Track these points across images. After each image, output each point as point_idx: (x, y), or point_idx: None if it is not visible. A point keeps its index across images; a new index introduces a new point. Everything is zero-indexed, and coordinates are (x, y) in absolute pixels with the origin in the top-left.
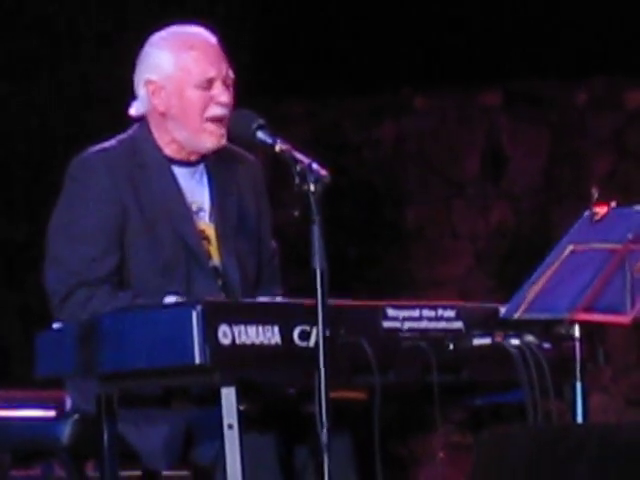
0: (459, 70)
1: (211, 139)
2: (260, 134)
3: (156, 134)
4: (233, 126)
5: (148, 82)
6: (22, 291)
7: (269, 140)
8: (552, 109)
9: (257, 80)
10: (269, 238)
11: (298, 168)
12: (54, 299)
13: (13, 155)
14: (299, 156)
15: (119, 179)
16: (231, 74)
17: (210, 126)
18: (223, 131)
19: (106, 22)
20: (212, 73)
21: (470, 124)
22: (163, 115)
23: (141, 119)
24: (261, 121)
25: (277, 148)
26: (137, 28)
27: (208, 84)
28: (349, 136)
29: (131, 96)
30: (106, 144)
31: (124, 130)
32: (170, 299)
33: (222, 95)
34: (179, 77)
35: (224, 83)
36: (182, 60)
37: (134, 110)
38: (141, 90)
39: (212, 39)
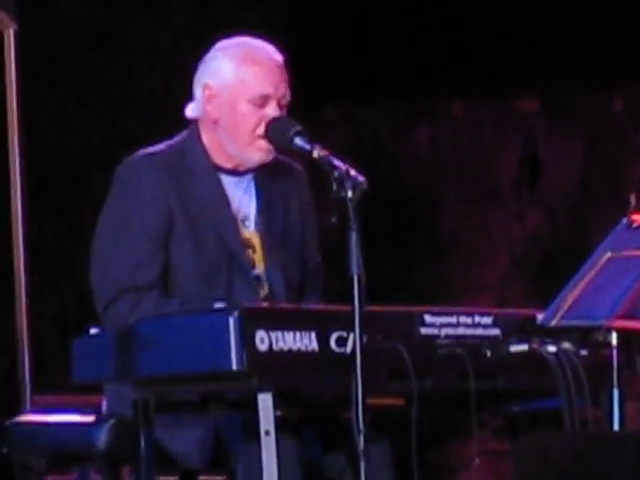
0: (496, 76)
1: (259, 154)
2: (298, 140)
3: (206, 140)
4: (271, 133)
5: (205, 86)
6: (58, 296)
7: (307, 146)
8: (589, 116)
9: (293, 87)
10: (315, 250)
11: (336, 174)
12: (100, 304)
13: (48, 157)
14: (337, 162)
15: (166, 183)
16: (288, 96)
17: (259, 142)
18: (271, 147)
19: (144, 31)
20: (269, 90)
21: (507, 130)
22: (215, 122)
23: (192, 122)
24: (299, 127)
25: (315, 154)
26: (174, 36)
27: (263, 101)
28: (385, 142)
29: (172, 104)
30: (154, 148)
31: (162, 136)
32: (219, 306)
33: (275, 115)
34: (235, 88)
35: (279, 103)
36: (242, 72)
37: (189, 111)
38: (198, 92)
39: (278, 57)
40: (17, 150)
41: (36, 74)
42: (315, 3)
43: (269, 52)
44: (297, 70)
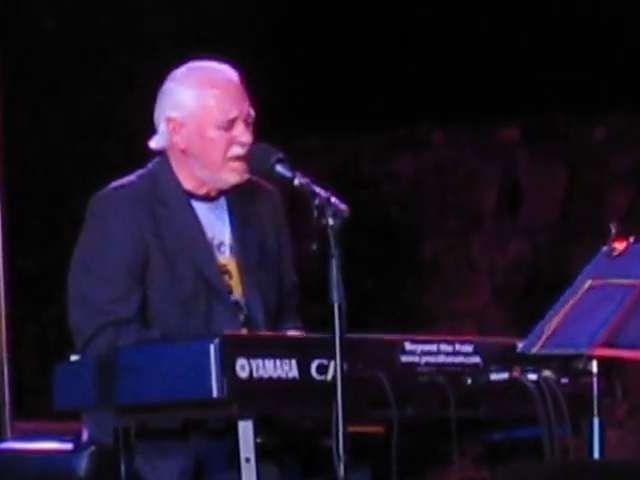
0: (477, 105)
1: (233, 175)
2: (279, 168)
3: (176, 169)
4: (252, 160)
5: (169, 119)
6: (37, 323)
7: (288, 174)
8: (570, 144)
9: (275, 114)
10: (290, 270)
11: (317, 202)
12: (79, 338)
13: (29, 186)
14: (318, 190)
15: (140, 215)
16: (252, 112)
17: (232, 164)
18: (245, 166)
19: (123, 54)
20: (234, 114)
21: (488, 158)
22: (184, 152)
23: (161, 152)
24: (280, 155)
25: (296, 182)
26: (154, 60)
27: (230, 124)
28: (367, 170)
29: (151, 129)
30: (125, 180)
31: (141, 162)
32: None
33: (243, 135)
34: (201, 116)
35: (245, 122)
36: (204, 99)
37: (154, 143)
38: (161, 125)
39: (234, 76)
40: None
41: (16, 102)
42: (299, 33)
43: (225, 73)
44: (279, 99)
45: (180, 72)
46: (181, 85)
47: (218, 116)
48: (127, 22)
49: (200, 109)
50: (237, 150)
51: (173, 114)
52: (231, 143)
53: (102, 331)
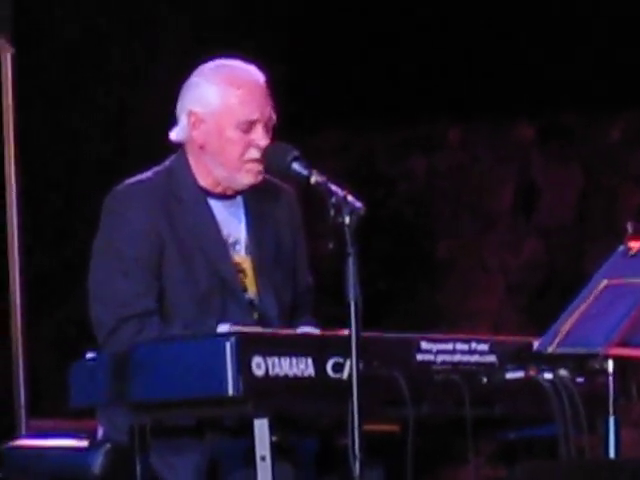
0: (493, 104)
1: (248, 177)
2: (295, 166)
3: (193, 165)
4: (269, 158)
5: (190, 113)
6: (54, 320)
7: (304, 172)
8: (585, 144)
9: (291, 112)
10: (305, 270)
11: (333, 200)
12: (101, 332)
13: (44, 183)
14: (334, 188)
15: (156, 211)
16: (274, 117)
17: (247, 165)
18: (260, 168)
19: (139, 53)
20: (255, 116)
21: (503, 158)
22: (201, 148)
23: (179, 146)
24: (296, 153)
25: (312, 180)
26: (170, 58)
27: (249, 126)
28: (382, 169)
29: (165, 126)
30: (142, 176)
31: (157, 157)
32: (223, 327)
33: (262, 139)
34: (222, 115)
35: (265, 126)
36: (227, 97)
37: (174, 135)
38: (183, 118)
39: (261, 79)
40: (14, 176)
41: (32, 99)
42: (314, 31)
43: (251, 74)
44: (293, 97)
45: (207, 68)
46: (207, 81)
47: (239, 116)
48: (135, 22)
49: (222, 107)
50: (254, 153)
51: (195, 108)
52: (249, 145)
53: (124, 324)
